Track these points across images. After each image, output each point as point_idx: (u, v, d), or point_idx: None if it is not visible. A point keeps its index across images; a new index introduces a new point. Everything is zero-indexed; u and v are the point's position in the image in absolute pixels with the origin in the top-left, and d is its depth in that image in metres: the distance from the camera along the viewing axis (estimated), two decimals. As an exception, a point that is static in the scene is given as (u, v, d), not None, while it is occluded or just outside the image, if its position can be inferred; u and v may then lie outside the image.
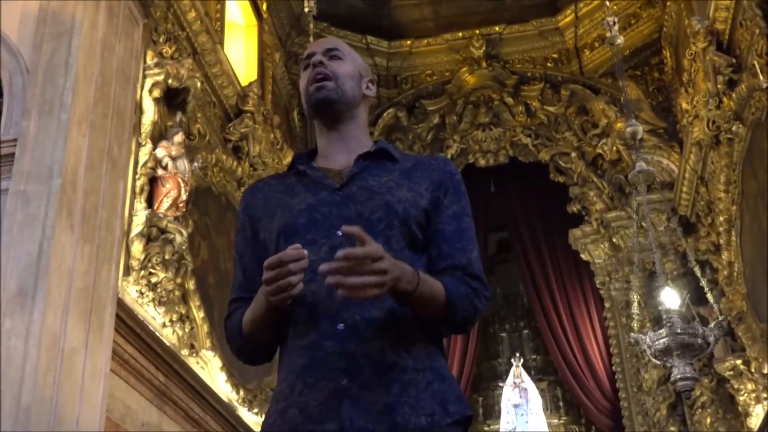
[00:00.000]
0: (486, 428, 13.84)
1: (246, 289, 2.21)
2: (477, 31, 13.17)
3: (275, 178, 2.35)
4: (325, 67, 2.26)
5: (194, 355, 7.69)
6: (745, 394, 9.64)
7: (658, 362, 8.68)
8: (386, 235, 2.07)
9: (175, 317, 7.36)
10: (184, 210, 7.51)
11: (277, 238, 2.14)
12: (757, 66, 8.21)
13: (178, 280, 7.42)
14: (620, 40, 9.01)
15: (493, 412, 13.70)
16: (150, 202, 7.28)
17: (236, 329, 2.14)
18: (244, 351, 2.19)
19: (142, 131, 7.41)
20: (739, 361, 9.62)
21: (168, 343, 7.14)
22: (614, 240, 12.12)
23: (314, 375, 1.97)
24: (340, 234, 2.04)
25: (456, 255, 2.14)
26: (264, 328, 2.08)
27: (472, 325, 2.16)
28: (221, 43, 9.50)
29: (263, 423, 2.09)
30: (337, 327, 1.98)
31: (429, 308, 2.02)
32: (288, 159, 10.45)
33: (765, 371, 8.82)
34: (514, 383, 12.06)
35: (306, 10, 9.38)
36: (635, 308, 9.60)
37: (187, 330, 7.55)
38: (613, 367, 11.97)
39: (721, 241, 9.89)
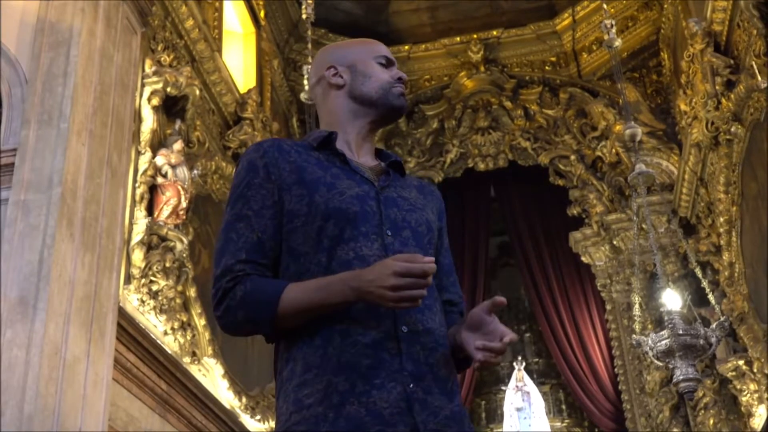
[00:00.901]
0: (489, 432, 13.83)
1: (262, 254, 2.06)
2: (475, 36, 13.17)
3: (298, 146, 2.20)
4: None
5: (196, 362, 7.69)
6: (748, 395, 9.63)
7: (661, 364, 8.67)
8: (428, 251, 2.12)
9: (176, 325, 7.36)
10: (184, 218, 7.51)
11: (325, 220, 2.04)
12: (755, 66, 8.22)
13: (179, 288, 7.43)
14: (618, 42, 9.01)
15: (495, 416, 13.69)
16: (150, 211, 7.28)
17: (268, 301, 1.97)
18: (259, 324, 2.01)
19: (141, 139, 7.41)
20: (741, 362, 9.61)
21: (170, 351, 7.13)
22: (615, 242, 12.12)
23: (381, 376, 1.92)
24: (390, 234, 2.06)
25: (451, 290, 2.27)
26: (314, 316, 1.98)
27: None
28: (219, 50, 9.51)
29: (299, 416, 1.94)
30: (401, 329, 1.96)
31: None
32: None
33: (767, 371, 8.82)
34: (517, 387, 12.05)
35: (304, 16, 9.38)
36: (637, 310, 9.59)
37: (188, 338, 7.55)
38: (616, 370, 11.96)
39: (722, 242, 9.89)
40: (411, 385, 1.92)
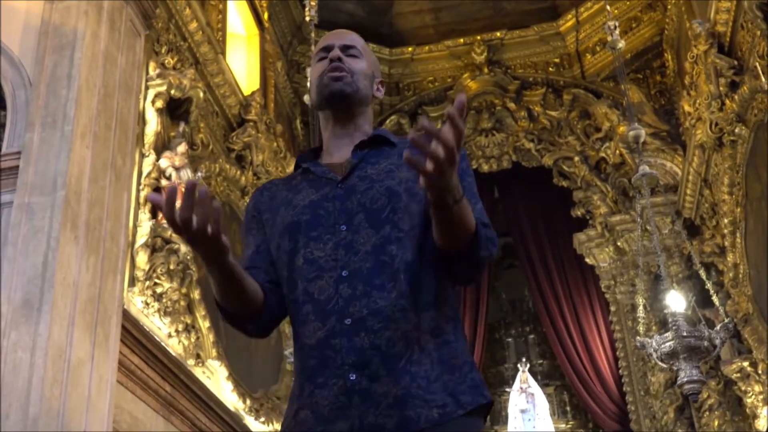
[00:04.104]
0: (493, 434, 13.82)
1: (256, 259, 2.19)
2: (478, 37, 13.18)
3: (283, 179, 2.33)
4: (342, 62, 2.22)
5: (200, 365, 7.69)
6: (753, 396, 9.61)
7: (665, 365, 8.66)
8: (393, 220, 2.03)
9: (180, 327, 7.36)
10: (188, 220, 7.50)
11: (281, 237, 2.14)
12: (758, 68, 8.21)
13: (183, 290, 7.43)
14: (621, 43, 9.01)
15: (500, 418, 13.67)
16: (154, 213, 7.27)
17: (213, 298, 2.12)
18: (226, 317, 2.13)
19: (145, 142, 7.42)
20: (745, 363, 9.59)
21: (174, 354, 7.14)
22: (619, 244, 12.11)
23: (325, 374, 1.94)
24: (344, 228, 2.04)
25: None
26: (226, 290, 2.02)
27: (481, 271, 2.08)
28: (223, 52, 9.51)
29: (282, 426, 2.07)
30: (344, 322, 1.95)
31: (458, 231, 1.92)
32: (291, 168, 10.47)
33: (772, 373, 8.82)
34: (521, 388, 12.04)
35: (307, 18, 9.40)
36: (641, 312, 9.58)
37: (192, 340, 7.55)
38: (620, 371, 11.95)
39: (726, 243, 9.87)
40: (353, 377, 1.91)
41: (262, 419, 8.90)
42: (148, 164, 7.33)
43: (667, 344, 8.15)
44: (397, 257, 2.00)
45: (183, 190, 1.79)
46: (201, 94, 8.24)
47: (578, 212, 12.62)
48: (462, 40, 13.27)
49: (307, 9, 9.17)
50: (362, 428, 1.87)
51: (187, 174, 7.57)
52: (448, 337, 2.03)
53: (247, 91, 10.09)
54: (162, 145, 7.62)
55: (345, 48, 2.27)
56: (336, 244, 2.03)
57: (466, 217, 1.90)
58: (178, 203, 1.79)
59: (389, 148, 2.21)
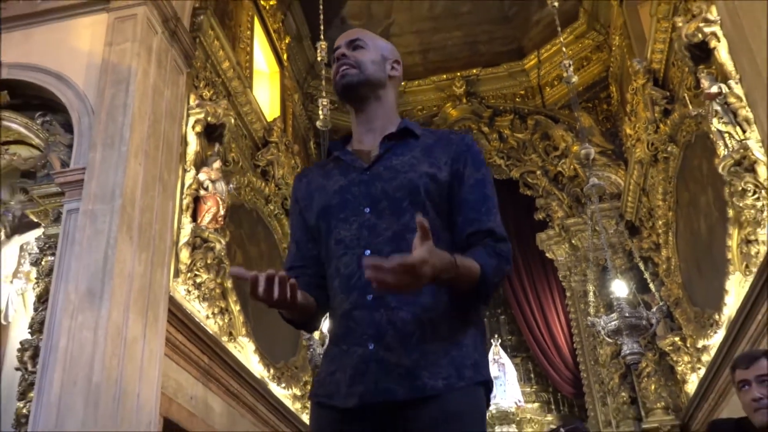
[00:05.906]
0: (471, 397, 13.75)
1: (297, 257, 2.08)
2: (458, 74, 13.17)
3: (318, 165, 2.16)
4: (347, 58, 2.08)
5: (232, 341, 7.68)
6: (683, 365, 9.61)
7: (611, 340, 8.66)
8: (411, 210, 1.90)
9: (216, 310, 7.35)
10: (222, 223, 7.50)
11: (317, 219, 2.02)
12: (687, 98, 8.22)
13: (219, 280, 7.41)
14: (575, 78, 8.97)
15: (477, 384, 13.63)
16: (194, 217, 7.27)
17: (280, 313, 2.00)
18: (290, 324, 2.05)
19: (187, 160, 7.41)
20: (677, 338, 9.60)
21: (211, 332, 7.13)
22: (573, 241, 12.10)
23: (349, 342, 1.86)
24: (368, 211, 1.93)
25: (482, 219, 1.94)
26: (293, 315, 1.96)
27: (499, 286, 1.94)
28: (250, 86, 9.51)
29: (316, 380, 1.98)
30: (366, 297, 1.85)
31: (463, 286, 1.81)
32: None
33: (698, 346, 8.81)
34: (494, 359, 12.00)
35: (319, 59, 9.36)
36: (591, 297, 9.59)
37: (226, 321, 7.54)
38: (574, 345, 11.93)
39: (661, 241, 9.88)
40: (371, 346, 1.81)
41: (283, 385, 8.88)
42: (189, 178, 7.33)
43: (613, 323, 8.13)
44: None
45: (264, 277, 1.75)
46: (232, 121, 8.23)
47: (540, 216, 12.60)
48: (445, 76, 13.25)
49: (318, 51, 9.14)
50: (377, 391, 1.78)
51: (221, 186, 7.56)
52: (461, 322, 1.90)
53: (269, 118, 10.08)
54: (201, 162, 7.61)
55: (350, 43, 2.12)
56: (360, 225, 1.92)
57: (468, 276, 1.80)
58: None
59: (414, 140, 2.06)
